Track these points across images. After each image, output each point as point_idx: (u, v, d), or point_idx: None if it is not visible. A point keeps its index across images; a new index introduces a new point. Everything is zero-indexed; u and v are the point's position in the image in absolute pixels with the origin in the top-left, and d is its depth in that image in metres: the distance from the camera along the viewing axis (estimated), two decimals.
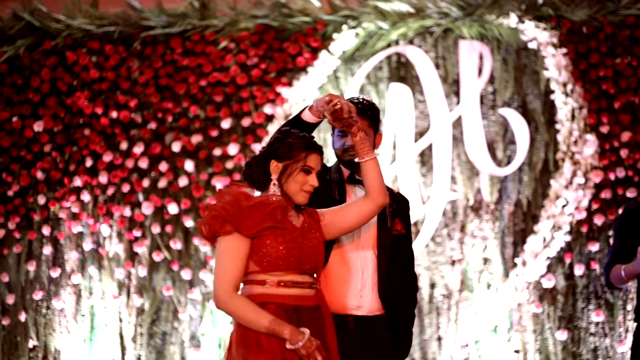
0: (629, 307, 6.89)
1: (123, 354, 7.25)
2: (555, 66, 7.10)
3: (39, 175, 7.29)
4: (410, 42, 7.26)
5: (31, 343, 7.27)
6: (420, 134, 7.22)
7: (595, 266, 7.01)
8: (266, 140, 7.13)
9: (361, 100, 4.60)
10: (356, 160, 4.17)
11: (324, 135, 6.90)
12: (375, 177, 4.11)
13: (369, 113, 4.57)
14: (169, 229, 7.24)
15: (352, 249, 4.43)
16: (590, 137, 7.06)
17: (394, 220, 4.54)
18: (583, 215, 7.05)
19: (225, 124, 7.24)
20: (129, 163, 7.27)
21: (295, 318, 3.88)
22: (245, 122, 7.23)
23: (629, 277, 4.83)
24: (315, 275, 4.03)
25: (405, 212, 4.63)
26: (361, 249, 4.43)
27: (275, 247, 3.89)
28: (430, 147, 7.21)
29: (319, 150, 4.03)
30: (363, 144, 4.10)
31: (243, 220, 3.86)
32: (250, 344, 3.83)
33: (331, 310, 4.11)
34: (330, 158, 4.66)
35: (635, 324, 4.91)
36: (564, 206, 7.05)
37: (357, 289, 4.46)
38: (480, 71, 7.19)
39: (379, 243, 4.47)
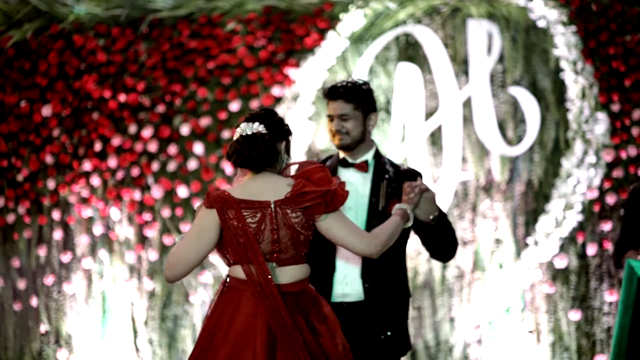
0: None
1: (135, 338, 7.27)
2: (564, 44, 7.04)
3: (48, 159, 7.29)
4: (418, 21, 7.21)
5: (43, 328, 7.30)
6: (429, 114, 7.18)
7: (608, 245, 6.97)
8: None
9: (344, 84, 4.49)
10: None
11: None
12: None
13: (349, 96, 4.46)
14: (179, 212, 7.24)
15: None
16: (601, 116, 7.01)
17: (391, 200, 4.44)
18: (595, 194, 7.00)
19: (234, 106, 7.21)
20: (138, 146, 7.26)
21: None
22: (254, 104, 7.21)
23: None
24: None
25: None
26: None
27: None
28: (440, 127, 7.17)
29: None
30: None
31: None
32: None
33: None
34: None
35: None
36: (575, 185, 7.01)
37: (342, 276, 4.41)
38: (489, 50, 7.15)
39: (367, 229, 4.33)
